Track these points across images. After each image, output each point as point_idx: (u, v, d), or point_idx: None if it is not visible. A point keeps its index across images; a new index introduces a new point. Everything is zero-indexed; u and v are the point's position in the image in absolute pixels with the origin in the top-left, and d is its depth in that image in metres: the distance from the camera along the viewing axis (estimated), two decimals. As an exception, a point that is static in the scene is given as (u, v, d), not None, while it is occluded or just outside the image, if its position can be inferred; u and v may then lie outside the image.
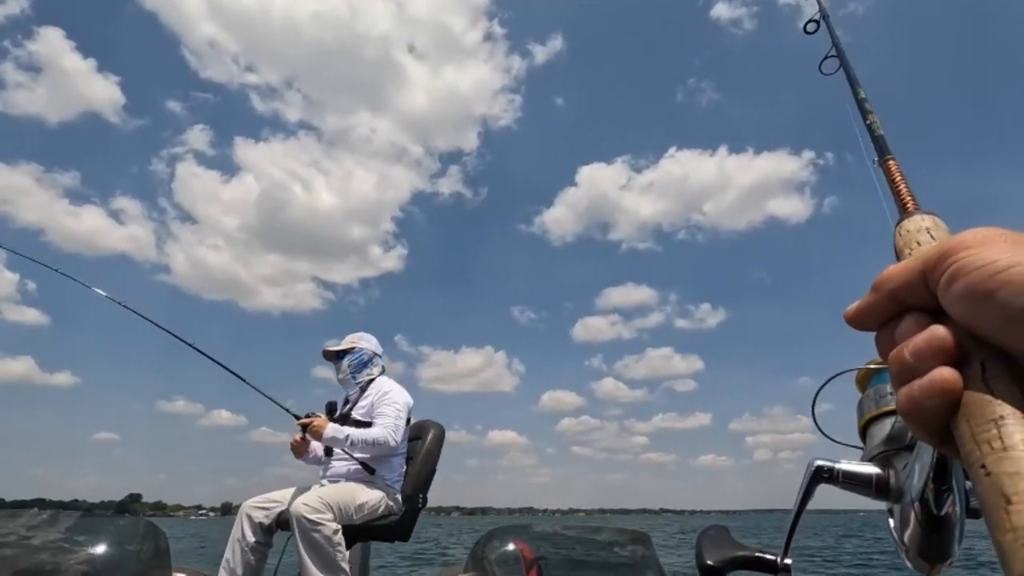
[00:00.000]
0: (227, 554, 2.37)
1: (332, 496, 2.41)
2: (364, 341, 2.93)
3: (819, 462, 0.41)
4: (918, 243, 0.36)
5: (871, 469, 0.39)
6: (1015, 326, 0.24)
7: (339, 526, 2.34)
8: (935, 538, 0.35)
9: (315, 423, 2.60)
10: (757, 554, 0.43)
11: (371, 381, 2.84)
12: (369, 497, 2.54)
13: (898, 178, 0.50)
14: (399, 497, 2.67)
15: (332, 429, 2.59)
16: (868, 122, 0.63)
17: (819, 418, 0.47)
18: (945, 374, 0.25)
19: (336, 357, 2.87)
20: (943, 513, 0.34)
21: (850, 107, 0.68)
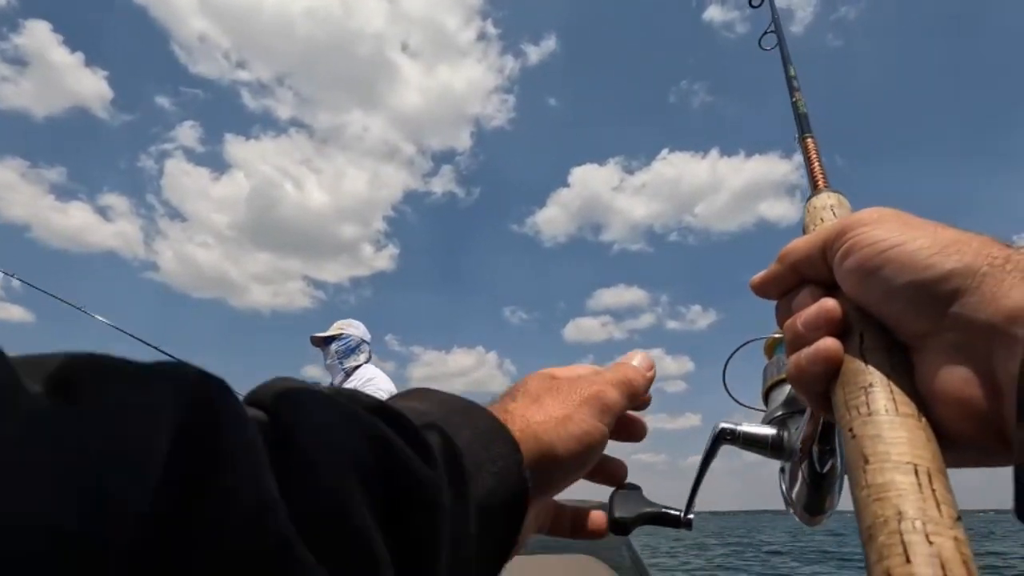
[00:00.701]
0: None
1: None
2: (352, 328, 2.94)
3: (723, 424, 0.43)
4: (822, 219, 0.39)
5: (768, 430, 0.42)
6: (893, 301, 0.26)
7: None
8: (818, 493, 0.38)
9: None
10: (663, 510, 0.45)
11: (357, 368, 2.86)
12: None
13: (813, 155, 0.52)
14: None
15: None
16: (794, 100, 0.66)
17: (734, 385, 0.51)
18: (828, 343, 0.28)
19: (324, 343, 2.88)
20: (825, 471, 0.37)
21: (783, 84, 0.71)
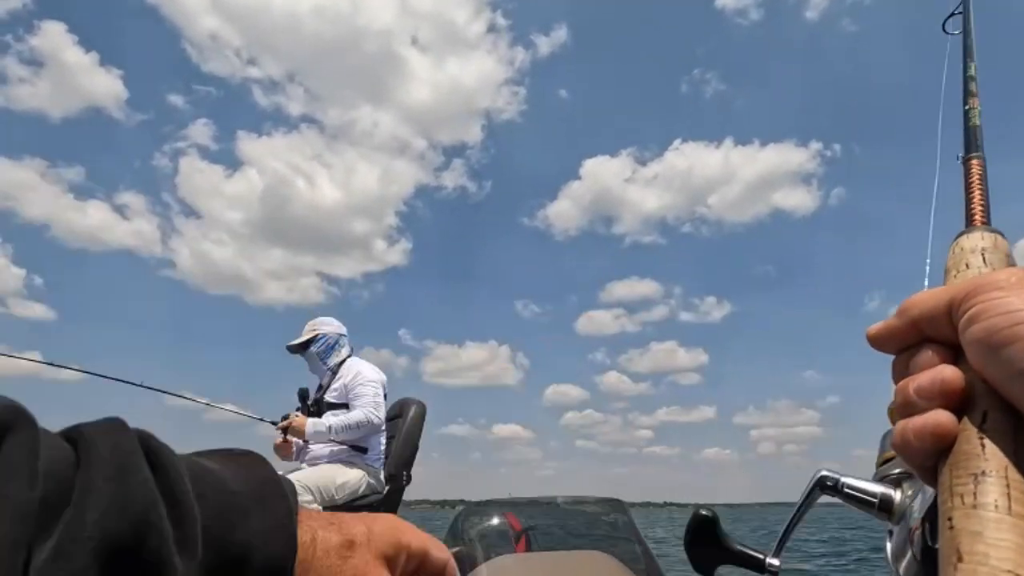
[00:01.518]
0: None
1: (311, 479, 2.42)
2: (325, 325, 2.90)
3: (824, 472, 0.40)
4: (967, 266, 0.32)
5: (878, 488, 0.39)
6: (1022, 382, 0.22)
7: (320, 508, 2.35)
8: (926, 568, 0.34)
9: (294, 423, 2.59)
10: (747, 552, 0.43)
11: (341, 363, 2.83)
12: (349, 477, 2.54)
13: (976, 182, 0.41)
14: (382, 476, 2.68)
15: (311, 424, 2.58)
16: (967, 107, 0.51)
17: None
18: (940, 419, 0.24)
19: (302, 349, 2.84)
20: (936, 546, 0.33)
21: (947, 83, 0.57)
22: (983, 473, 0.22)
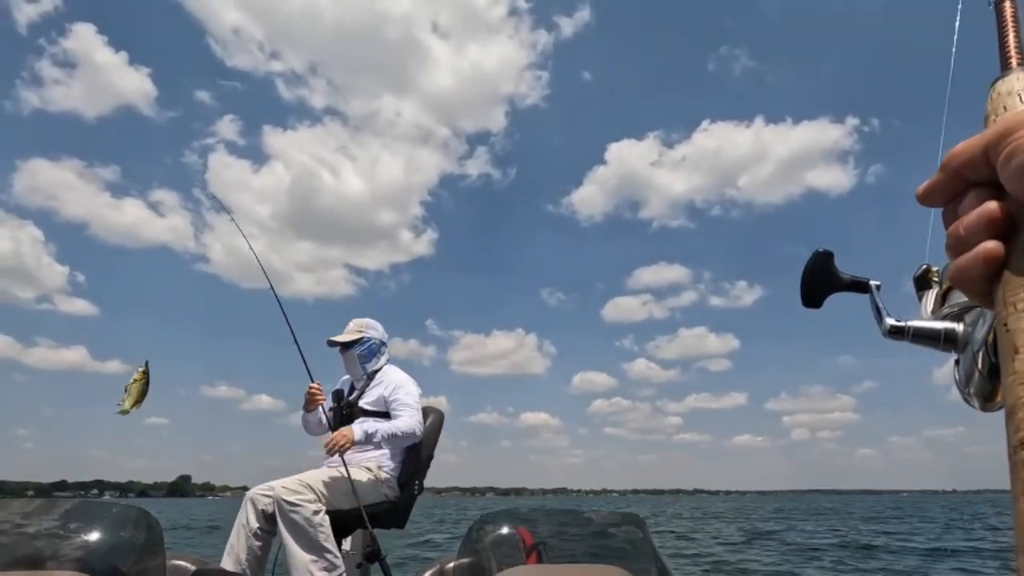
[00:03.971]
0: (231, 539, 2.39)
1: (314, 480, 2.41)
2: (371, 329, 2.90)
3: (890, 321, 0.43)
4: (1005, 108, 0.33)
5: (941, 324, 0.42)
6: None
7: (321, 507, 2.33)
8: (993, 382, 0.38)
9: (342, 433, 2.55)
10: (856, 278, 0.51)
11: (378, 371, 2.84)
12: (359, 483, 2.51)
13: (1009, 23, 0.42)
14: (394, 484, 2.66)
15: (360, 433, 2.57)
16: None
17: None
18: (989, 246, 0.28)
19: (344, 348, 2.84)
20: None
21: None
22: None
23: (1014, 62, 0.39)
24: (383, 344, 2.92)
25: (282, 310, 2.74)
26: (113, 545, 1.19)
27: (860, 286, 0.51)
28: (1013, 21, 0.42)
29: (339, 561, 2.30)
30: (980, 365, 0.38)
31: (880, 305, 0.47)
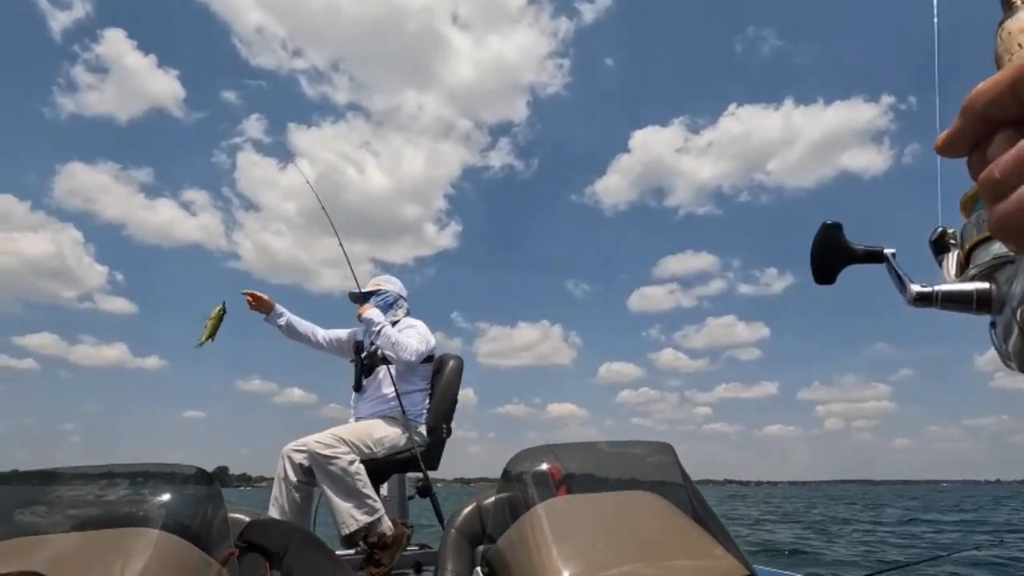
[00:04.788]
0: (274, 492, 2.50)
1: (346, 433, 2.50)
2: (389, 283, 3.00)
3: (916, 287, 0.40)
4: (1019, 45, 0.32)
5: (972, 285, 0.38)
6: None
7: (356, 458, 2.43)
8: None
9: (366, 309, 2.78)
10: (870, 249, 0.47)
11: (396, 322, 2.91)
12: (388, 432, 2.63)
13: None
14: (423, 430, 2.76)
15: (374, 312, 2.76)
16: None
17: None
18: None
19: (362, 299, 2.92)
20: None
21: None
22: None
23: (1019, 1, 0.37)
24: (401, 297, 2.99)
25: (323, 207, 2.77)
26: (181, 502, 1.25)
27: (875, 256, 0.47)
28: None
29: (379, 505, 2.42)
30: (1021, 323, 0.34)
31: (901, 273, 0.44)
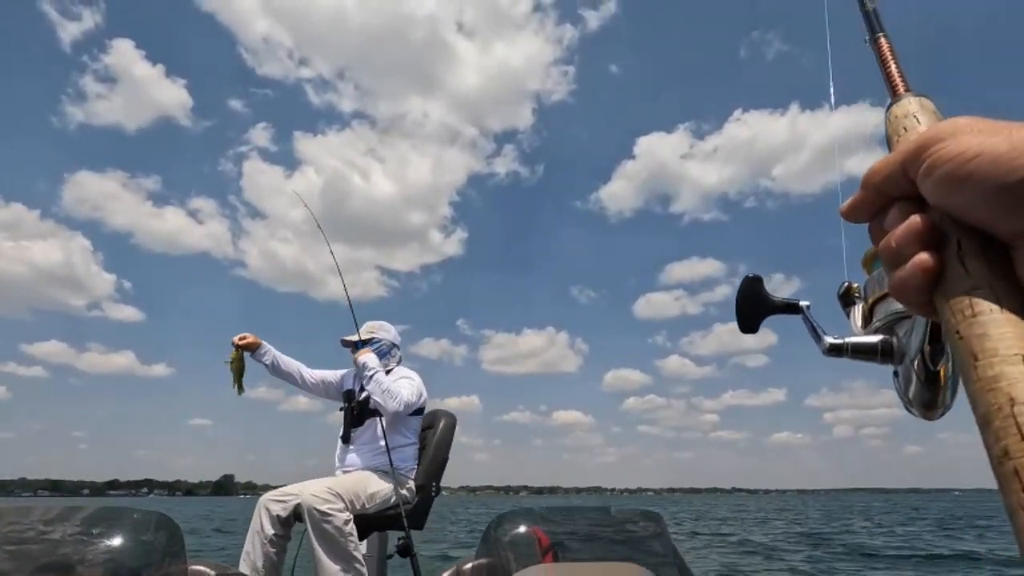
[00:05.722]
0: (247, 547, 2.40)
1: (342, 486, 2.42)
2: (383, 331, 2.95)
3: (829, 340, 0.45)
4: (904, 128, 0.36)
5: (876, 338, 0.43)
6: (984, 208, 0.27)
7: (350, 516, 2.35)
8: (931, 389, 0.39)
9: (363, 353, 2.76)
10: (787, 301, 0.52)
11: (388, 371, 2.85)
12: (381, 487, 2.55)
13: (888, 57, 0.47)
14: (412, 486, 2.68)
15: (370, 357, 2.72)
16: None
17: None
18: (923, 257, 0.29)
19: (355, 347, 2.88)
20: (937, 368, 0.39)
21: None
22: (972, 288, 0.27)
23: (901, 88, 0.42)
24: (395, 346, 2.95)
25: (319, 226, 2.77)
26: (135, 551, 1.19)
27: (792, 308, 0.52)
28: (891, 53, 0.47)
29: (364, 569, 2.32)
30: (918, 372, 0.39)
31: (815, 325, 0.49)
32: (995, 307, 0.26)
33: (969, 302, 0.27)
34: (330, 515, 2.29)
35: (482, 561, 1.84)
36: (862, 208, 0.33)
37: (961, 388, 0.36)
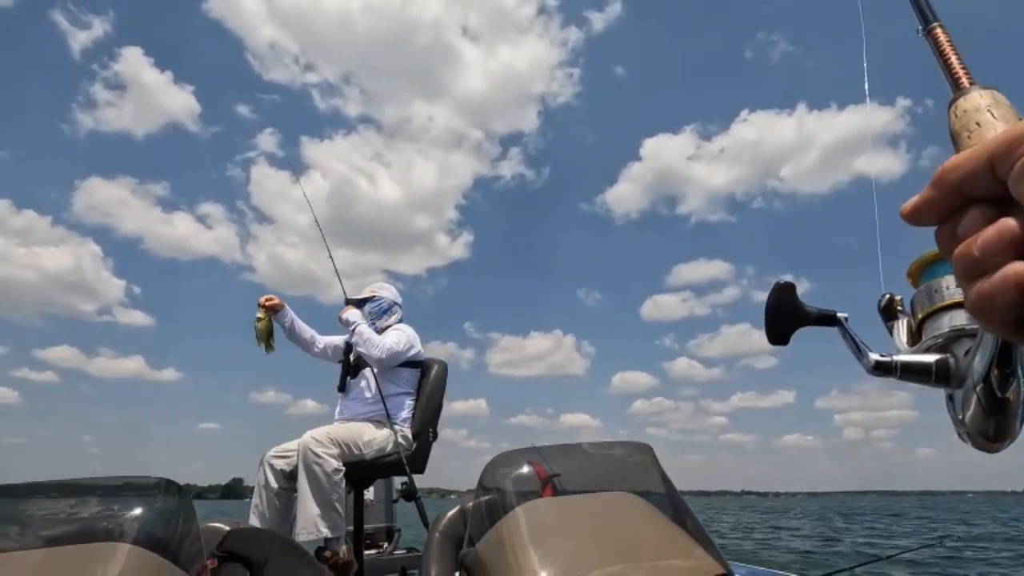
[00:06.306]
0: (254, 500, 2.49)
1: (339, 433, 2.50)
2: (383, 290, 3.00)
3: (875, 356, 0.40)
4: (978, 124, 0.32)
5: (931, 357, 0.39)
6: None
7: (342, 466, 2.43)
8: (997, 418, 0.35)
9: (348, 310, 2.82)
10: (823, 311, 0.48)
11: (387, 328, 2.90)
12: (377, 435, 2.63)
13: (947, 49, 0.42)
14: (408, 434, 2.76)
15: (352, 312, 2.79)
16: None
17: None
18: (1019, 268, 0.24)
19: (357, 305, 2.92)
20: (1006, 395, 0.34)
21: None
22: None
23: (965, 81, 0.38)
24: (395, 304, 2.99)
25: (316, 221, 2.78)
26: (151, 515, 1.24)
27: (828, 319, 0.48)
28: (950, 44, 0.42)
29: (343, 523, 2.41)
30: (982, 399, 0.35)
31: (856, 339, 0.44)
32: None
33: None
34: (322, 458, 2.36)
35: (484, 499, 1.92)
36: (932, 208, 0.28)
37: None
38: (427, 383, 2.89)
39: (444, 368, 2.97)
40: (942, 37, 0.43)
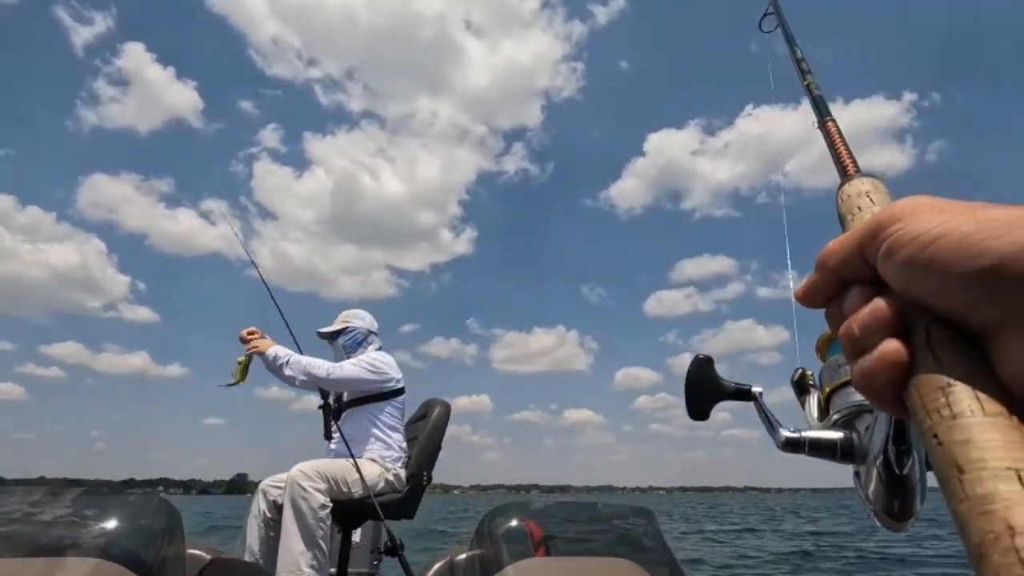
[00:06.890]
0: (245, 530, 2.42)
1: (329, 468, 2.43)
2: (357, 319, 2.87)
3: (785, 433, 0.41)
4: (859, 208, 0.36)
5: (835, 434, 0.39)
6: (954, 294, 0.24)
7: (328, 501, 2.35)
8: (898, 497, 0.35)
9: (260, 344, 2.56)
10: (740, 386, 0.49)
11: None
12: (368, 473, 2.52)
13: (837, 140, 0.48)
14: (401, 475, 2.67)
15: (272, 349, 2.56)
16: (806, 83, 0.61)
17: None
18: (892, 346, 0.25)
19: (330, 338, 2.83)
20: (904, 472, 0.34)
21: (774, 78, 0.69)
22: (949, 384, 0.23)
23: (852, 169, 0.43)
24: (371, 333, 2.87)
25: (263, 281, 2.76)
26: (136, 533, 1.20)
27: (744, 394, 0.49)
28: (839, 137, 0.48)
29: (327, 564, 2.32)
30: (882, 476, 0.35)
31: (769, 415, 0.45)
32: (976, 407, 0.23)
33: (946, 400, 0.23)
34: (308, 493, 2.30)
35: (476, 552, 1.85)
36: (818, 291, 0.30)
37: (931, 494, 0.33)
38: (428, 424, 2.82)
39: (447, 409, 2.90)
40: (832, 129, 0.50)
